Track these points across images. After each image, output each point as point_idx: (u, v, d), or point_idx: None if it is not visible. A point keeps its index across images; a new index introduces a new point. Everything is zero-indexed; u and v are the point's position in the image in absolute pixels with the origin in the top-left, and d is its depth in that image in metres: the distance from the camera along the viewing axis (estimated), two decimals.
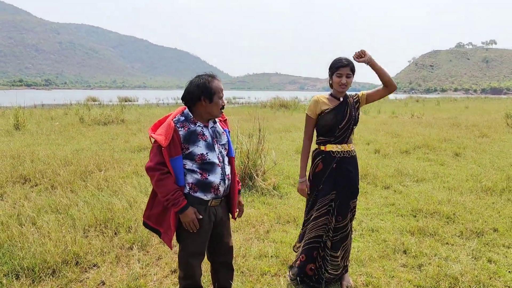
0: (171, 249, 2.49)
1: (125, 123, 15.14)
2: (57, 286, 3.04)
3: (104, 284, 3.09)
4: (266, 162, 6.19)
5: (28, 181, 5.95)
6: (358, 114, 3.10)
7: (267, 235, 4.09)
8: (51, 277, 3.13)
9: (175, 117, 2.37)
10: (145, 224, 2.48)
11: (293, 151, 8.90)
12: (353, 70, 2.94)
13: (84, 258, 3.41)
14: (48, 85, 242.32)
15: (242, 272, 3.28)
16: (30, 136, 10.89)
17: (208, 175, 2.35)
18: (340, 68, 2.91)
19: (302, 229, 3.22)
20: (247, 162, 5.71)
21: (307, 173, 3.15)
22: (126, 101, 36.91)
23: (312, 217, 3.07)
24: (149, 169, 2.29)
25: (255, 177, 5.65)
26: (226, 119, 2.64)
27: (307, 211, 3.15)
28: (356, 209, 4.80)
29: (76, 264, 3.35)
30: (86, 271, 3.27)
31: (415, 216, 4.70)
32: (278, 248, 3.71)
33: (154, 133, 2.29)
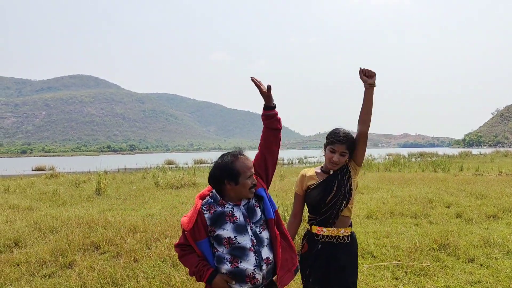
0: None
1: (197, 186, 15.56)
2: None
3: None
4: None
5: (98, 248, 6.16)
6: (350, 187, 2.68)
7: None
8: None
9: (203, 196, 2.27)
10: None
11: (363, 216, 8.36)
12: (349, 148, 2.61)
13: None
14: (132, 150, 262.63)
15: None
16: (109, 201, 11.54)
17: (240, 262, 2.14)
18: (335, 144, 2.60)
19: None
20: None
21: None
22: (201, 163, 38.50)
23: None
24: (175, 247, 2.27)
25: None
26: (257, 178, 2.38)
27: None
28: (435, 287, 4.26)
29: None
30: None
31: None
32: None
33: (185, 217, 2.23)
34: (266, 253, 2.21)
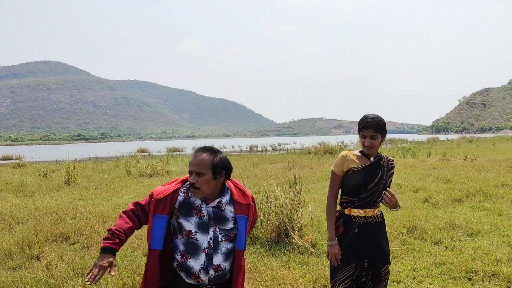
0: None
1: (169, 174, 15.41)
2: None
3: None
4: (304, 217, 5.90)
5: (67, 239, 6.02)
6: (390, 181, 2.85)
7: None
8: None
9: (185, 179, 2.25)
10: None
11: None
12: (379, 131, 2.70)
13: None
14: (103, 138, 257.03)
15: None
16: (79, 190, 11.27)
17: (189, 258, 2.12)
18: (363, 130, 2.71)
19: None
20: (282, 218, 5.45)
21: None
22: (174, 151, 38.12)
23: None
24: (132, 203, 2.22)
25: (291, 233, 5.37)
26: (249, 203, 2.27)
27: (332, 280, 2.84)
28: (402, 270, 4.39)
29: None
30: None
31: (470, 279, 4.16)
32: None
33: (161, 186, 2.22)
34: (218, 260, 2.16)
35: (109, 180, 13.82)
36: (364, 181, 2.73)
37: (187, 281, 2.14)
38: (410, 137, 69.68)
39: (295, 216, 5.64)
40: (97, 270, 1.97)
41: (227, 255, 2.19)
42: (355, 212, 2.76)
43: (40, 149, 65.94)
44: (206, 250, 2.12)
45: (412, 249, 5.22)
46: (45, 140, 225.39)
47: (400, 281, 4.18)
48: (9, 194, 10.63)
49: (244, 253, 2.26)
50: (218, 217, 2.18)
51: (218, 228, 2.17)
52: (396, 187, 9.94)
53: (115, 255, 2.06)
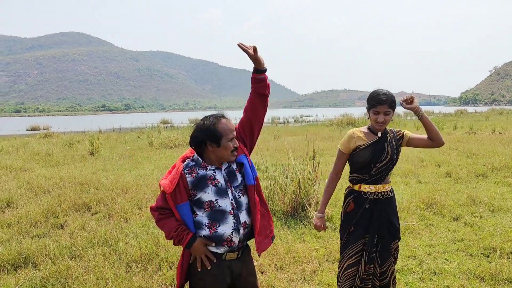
0: None
1: None
2: None
3: None
4: (321, 190, 5.88)
5: (90, 209, 6.21)
6: (399, 153, 2.77)
7: (313, 275, 3.79)
8: None
9: (185, 161, 2.23)
10: None
11: None
12: (392, 107, 2.64)
13: None
14: (127, 109, 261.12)
15: None
16: (102, 161, 11.55)
17: (218, 226, 2.16)
18: (377, 106, 2.63)
19: (338, 270, 2.88)
20: (298, 192, 5.45)
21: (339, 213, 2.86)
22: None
23: (344, 266, 2.76)
24: (151, 209, 2.23)
25: (307, 207, 5.37)
26: (240, 144, 2.36)
27: (341, 255, 2.84)
28: (418, 246, 4.36)
29: None
30: None
31: (487, 256, 4.10)
32: None
33: (164, 179, 2.18)
34: (244, 217, 2.24)
35: (131, 151, 14.08)
36: (372, 158, 2.68)
37: (217, 251, 2.19)
38: (436, 109, 67.81)
39: (312, 190, 5.63)
40: (203, 257, 2.16)
41: (248, 209, 2.28)
42: (365, 188, 2.73)
43: (67, 119, 67.65)
44: (232, 211, 2.19)
45: (430, 224, 5.15)
46: (71, 111, 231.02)
47: (415, 256, 4.15)
48: (36, 164, 11.00)
49: (256, 186, 2.33)
50: (231, 177, 2.25)
51: (232, 187, 2.24)
52: (418, 161, 9.76)
53: (196, 239, 2.16)
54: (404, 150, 10.33)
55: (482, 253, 4.17)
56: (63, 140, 18.24)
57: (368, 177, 2.72)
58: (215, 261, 2.17)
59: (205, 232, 2.17)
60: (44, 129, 30.41)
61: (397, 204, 2.92)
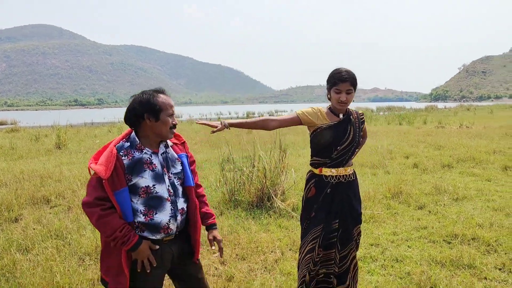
0: None
1: None
2: None
3: None
4: (287, 181, 5.82)
5: (49, 202, 5.94)
6: (361, 136, 2.73)
7: (275, 265, 3.70)
8: None
9: (118, 143, 2.03)
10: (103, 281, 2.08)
11: None
12: (354, 85, 2.54)
13: None
14: (100, 104, 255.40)
15: None
16: (68, 155, 11.17)
17: (155, 214, 2.01)
18: (339, 84, 2.52)
19: (299, 257, 2.80)
20: (264, 181, 5.37)
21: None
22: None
23: (304, 252, 2.69)
24: (86, 205, 1.92)
25: (273, 197, 5.29)
26: (184, 142, 2.30)
27: (301, 241, 2.76)
28: (382, 234, 4.34)
29: None
30: None
31: (449, 243, 4.12)
32: (283, 282, 3.32)
33: (94, 164, 1.95)
34: (181, 203, 2.14)
35: (100, 144, 13.66)
36: (333, 140, 2.60)
37: (152, 237, 2.04)
38: (408, 105, 69.30)
39: (278, 180, 5.55)
40: (144, 261, 1.99)
41: (185, 195, 2.18)
42: (327, 171, 2.65)
43: (36, 114, 65.52)
44: (169, 198, 2.06)
45: (395, 213, 5.16)
46: (42, 105, 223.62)
47: (379, 244, 4.13)
48: None
49: (196, 189, 2.29)
50: (168, 162, 2.13)
51: (171, 173, 2.12)
52: (386, 153, 9.85)
53: (141, 242, 1.98)
54: (375, 143, 10.41)
55: (444, 240, 4.20)
56: (30, 134, 17.59)
57: (330, 161, 2.64)
58: (154, 264, 2.01)
59: (141, 219, 2.00)
60: (12, 124, 29.27)
61: (363, 193, 2.87)
